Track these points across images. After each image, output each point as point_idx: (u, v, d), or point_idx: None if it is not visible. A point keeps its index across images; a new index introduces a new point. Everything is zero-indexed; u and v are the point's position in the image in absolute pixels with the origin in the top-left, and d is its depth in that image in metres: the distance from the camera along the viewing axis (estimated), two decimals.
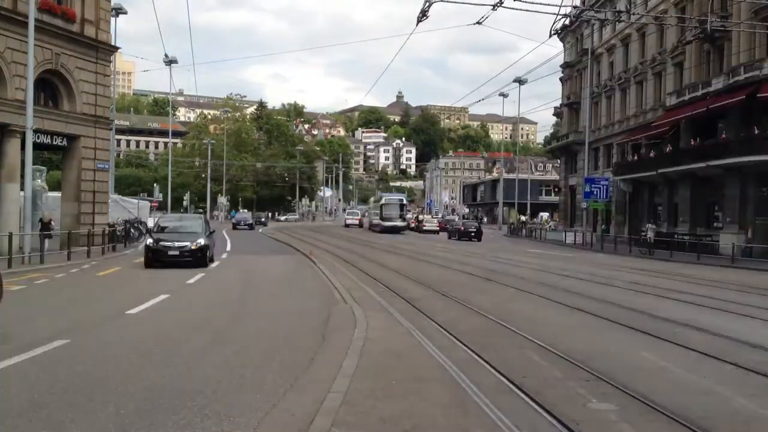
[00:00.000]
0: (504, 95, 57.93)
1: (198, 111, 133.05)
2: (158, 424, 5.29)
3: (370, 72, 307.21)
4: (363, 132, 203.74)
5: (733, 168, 31.25)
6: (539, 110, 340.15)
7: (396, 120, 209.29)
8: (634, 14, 37.64)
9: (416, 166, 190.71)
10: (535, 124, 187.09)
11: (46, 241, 21.44)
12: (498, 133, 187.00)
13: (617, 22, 46.47)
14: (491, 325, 10.28)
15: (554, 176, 78.31)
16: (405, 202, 59.86)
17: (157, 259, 19.43)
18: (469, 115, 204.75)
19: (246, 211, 77.04)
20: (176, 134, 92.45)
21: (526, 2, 19.72)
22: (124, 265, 20.83)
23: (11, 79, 21.97)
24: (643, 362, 7.85)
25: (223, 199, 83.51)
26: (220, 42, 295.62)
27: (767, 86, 29.96)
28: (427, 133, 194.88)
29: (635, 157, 43.46)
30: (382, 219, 54.89)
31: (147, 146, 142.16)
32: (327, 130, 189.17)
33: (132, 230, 31.89)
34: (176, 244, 19.69)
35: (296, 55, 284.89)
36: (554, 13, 28.87)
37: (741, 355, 8.21)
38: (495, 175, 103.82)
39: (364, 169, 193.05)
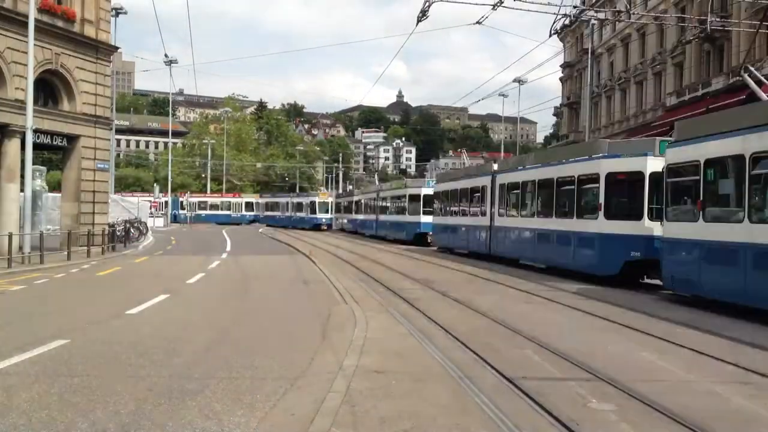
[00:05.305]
0: (504, 95, 58.03)
1: (198, 111, 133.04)
2: (158, 424, 5.29)
3: (371, 71, 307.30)
4: (363, 132, 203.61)
5: None
6: (539, 110, 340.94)
7: (396, 120, 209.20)
8: (634, 14, 37.63)
9: (416, 166, 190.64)
10: (535, 123, 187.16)
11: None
12: (498, 133, 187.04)
13: (617, 22, 46.48)
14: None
15: None
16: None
17: None
18: (469, 115, 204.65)
19: None
20: (176, 134, 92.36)
21: (526, 2, 19.78)
22: (124, 265, 20.84)
23: (11, 79, 21.96)
24: (642, 362, 7.84)
25: None
26: (222, 42, 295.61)
27: (767, 86, 29.94)
28: (427, 133, 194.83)
29: None
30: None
31: (147, 146, 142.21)
32: (327, 130, 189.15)
33: (132, 230, 31.95)
34: None
35: (296, 55, 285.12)
36: (554, 13, 28.82)
37: (741, 355, 8.21)
38: None
39: (364, 169, 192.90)
